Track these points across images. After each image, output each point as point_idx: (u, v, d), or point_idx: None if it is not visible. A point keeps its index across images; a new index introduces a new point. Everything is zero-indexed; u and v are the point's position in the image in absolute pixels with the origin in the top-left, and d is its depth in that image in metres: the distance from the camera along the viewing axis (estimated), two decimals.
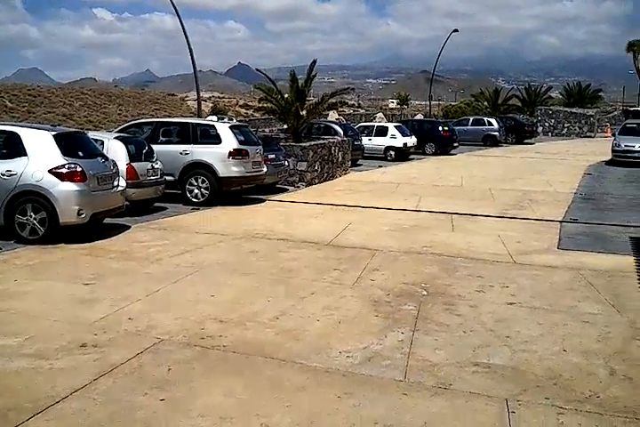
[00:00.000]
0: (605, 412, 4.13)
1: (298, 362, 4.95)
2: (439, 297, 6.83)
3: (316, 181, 18.03)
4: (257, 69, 28.55)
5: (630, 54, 53.13)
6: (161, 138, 14.53)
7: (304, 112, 19.58)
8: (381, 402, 4.28)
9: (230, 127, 14.28)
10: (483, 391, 4.45)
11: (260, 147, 14.67)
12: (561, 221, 12.17)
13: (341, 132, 23.93)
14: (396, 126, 27.94)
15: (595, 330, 5.80)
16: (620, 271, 8.12)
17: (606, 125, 50.20)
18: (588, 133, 47.10)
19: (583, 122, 47.95)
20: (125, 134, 13.61)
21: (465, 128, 36.07)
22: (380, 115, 59.90)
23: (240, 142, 13.98)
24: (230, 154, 13.71)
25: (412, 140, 27.27)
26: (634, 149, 24.39)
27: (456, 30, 49.89)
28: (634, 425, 3.96)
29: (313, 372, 4.77)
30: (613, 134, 30.25)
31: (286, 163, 16.93)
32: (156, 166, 12.72)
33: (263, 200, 14.59)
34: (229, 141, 13.85)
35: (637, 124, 27.84)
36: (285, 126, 22.08)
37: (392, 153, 26.55)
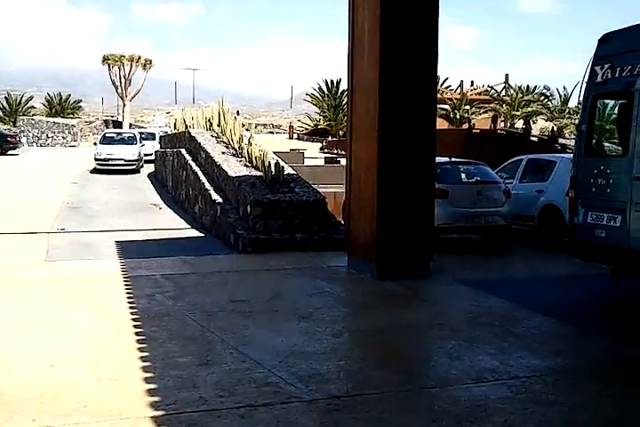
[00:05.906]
0: (93, 419, 4.15)
1: None
2: None
3: None
4: None
5: (106, 67, 55.62)
6: None
7: None
8: None
9: None
10: None
11: None
12: (48, 233, 11.97)
13: None
14: None
15: (83, 338, 5.81)
16: (106, 275, 8.35)
17: (89, 135, 51.62)
18: (73, 143, 47.72)
19: (67, 132, 48.38)
20: None
21: None
22: None
23: None
24: None
25: None
26: (114, 156, 25.62)
27: None
28: (119, 425, 4.09)
29: None
30: (95, 143, 31.20)
31: None
32: None
33: None
34: None
35: (116, 133, 29.32)
36: None
37: None
